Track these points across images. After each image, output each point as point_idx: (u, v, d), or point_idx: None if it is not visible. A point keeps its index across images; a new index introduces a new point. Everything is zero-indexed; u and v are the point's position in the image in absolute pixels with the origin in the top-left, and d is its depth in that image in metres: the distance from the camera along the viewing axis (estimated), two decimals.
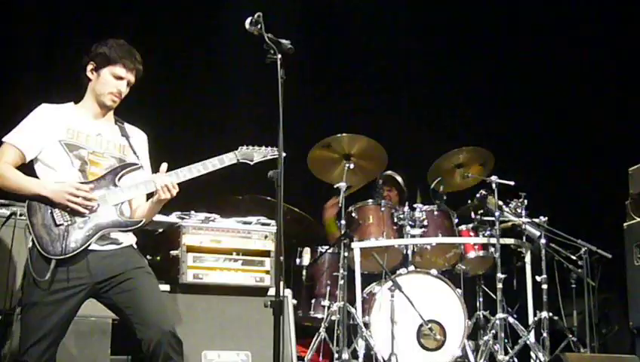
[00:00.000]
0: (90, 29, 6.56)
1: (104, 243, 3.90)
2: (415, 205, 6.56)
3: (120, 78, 4.02)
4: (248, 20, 3.78)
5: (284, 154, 3.78)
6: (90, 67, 4.03)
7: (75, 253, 3.78)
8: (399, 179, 7.23)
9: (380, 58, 8.41)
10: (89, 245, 3.82)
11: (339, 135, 6.34)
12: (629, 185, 6.90)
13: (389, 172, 7.13)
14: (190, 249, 5.17)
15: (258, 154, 4.16)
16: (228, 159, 4.11)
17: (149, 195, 4.08)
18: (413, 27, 8.51)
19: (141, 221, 3.99)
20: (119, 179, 3.96)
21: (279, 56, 3.70)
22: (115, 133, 4.12)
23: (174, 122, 7.17)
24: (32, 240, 3.78)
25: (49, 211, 3.80)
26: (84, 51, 4.07)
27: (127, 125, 4.21)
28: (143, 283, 3.87)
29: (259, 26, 3.75)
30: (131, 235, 4.06)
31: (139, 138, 4.24)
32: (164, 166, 4.02)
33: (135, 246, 4.07)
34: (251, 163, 4.16)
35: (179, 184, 4.00)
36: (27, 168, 3.94)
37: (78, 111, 4.08)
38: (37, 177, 3.92)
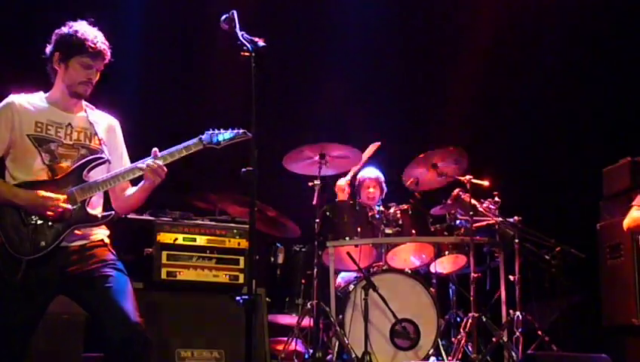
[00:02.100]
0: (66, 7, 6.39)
1: (73, 239, 3.87)
2: (390, 204, 6.58)
3: (89, 67, 3.95)
4: (223, 17, 3.78)
5: (249, 134, 3.74)
6: (56, 57, 3.96)
7: (45, 252, 3.75)
8: (381, 178, 7.24)
9: (354, 56, 8.40)
10: (59, 243, 3.79)
11: (313, 144, 6.26)
12: (603, 186, 6.96)
13: (371, 172, 7.15)
14: (164, 247, 5.16)
15: (225, 137, 4.02)
16: (194, 145, 4.01)
17: (136, 182, 4.04)
18: (389, 24, 8.52)
19: (110, 214, 3.96)
20: (86, 174, 3.92)
21: (252, 54, 3.70)
22: (85, 121, 4.04)
23: (146, 115, 7.09)
24: (2, 241, 3.75)
25: (17, 211, 3.77)
26: (47, 40, 3.99)
27: (97, 111, 4.14)
28: (113, 281, 3.83)
29: (232, 24, 3.75)
30: (103, 229, 4.02)
31: (110, 125, 4.15)
32: (155, 150, 3.96)
33: (107, 239, 4.02)
34: (218, 147, 4.03)
35: None
36: None
37: (47, 102, 4.00)
38: (8, 171, 3.89)
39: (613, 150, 7.16)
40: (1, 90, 4.04)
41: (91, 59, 3.93)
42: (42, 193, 3.79)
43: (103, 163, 4.00)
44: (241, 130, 4.00)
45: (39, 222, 3.78)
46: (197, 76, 7.76)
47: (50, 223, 3.79)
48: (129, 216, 5.10)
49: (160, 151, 3.97)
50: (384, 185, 7.25)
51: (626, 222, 5.68)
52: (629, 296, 6.29)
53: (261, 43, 3.73)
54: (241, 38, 3.74)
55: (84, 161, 3.95)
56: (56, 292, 3.87)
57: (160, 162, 3.93)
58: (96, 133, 4.03)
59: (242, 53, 3.72)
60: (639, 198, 5.58)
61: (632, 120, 7.72)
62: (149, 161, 3.93)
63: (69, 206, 3.82)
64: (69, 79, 3.96)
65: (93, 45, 3.91)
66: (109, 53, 3.99)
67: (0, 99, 3.98)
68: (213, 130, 4.05)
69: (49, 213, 3.77)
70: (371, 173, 7.22)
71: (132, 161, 4.08)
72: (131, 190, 4.10)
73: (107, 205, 4.09)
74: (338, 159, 6.36)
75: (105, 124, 4.12)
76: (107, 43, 3.99)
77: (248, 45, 3.72)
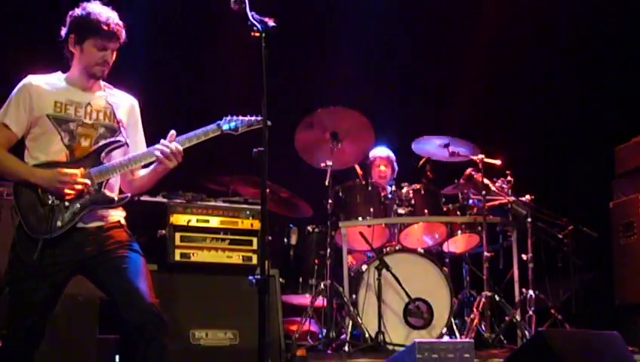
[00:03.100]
0: None
1: (90, 220, 3.89)
2: (402, 184, 6.58)
3: (104, 49, 3.94)
4: None
5: (269, 123, 3.76)
6: (71, 40, 3.96)
7: (61, 232, 3.78)
8: (393, 157, 7.25)
9: (366, 36, 8.38)
10: (76, 224, 3.82)
11: (322, 109, 6.32)
12: (615, 164, 6.94)
13: (382, 151, 7.17)
14: (178, 228, 5.18)
15: (242, 123, 4.07)
16: (212, 130, 4.05)
17: (146, 165, 4.06)
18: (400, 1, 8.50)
19: (126, 196, 3.98)
20: (105, 157, 3.94)
21: (263, 34, 3.70)
22: (104, 100, 4.05)
23: (158, 96, 7.11)
24: (19, 222, 3.78)
25: (35, 191, 3.80)
26: (62, 22, 3.98)
27: (116, 91, 4.14)
28: (129, 262, 3.86)
29: (242, 5, 3.74)
30: (119, 211, 4.04)
31: (127, 104, 4.15)
32: (173, 133, 3.98)
33: (123, 221, 4.04)
34: (236, 133, 4.08)
35: None
36: (18, 141, 3.92)
37: (66, 82, 4.01)
38: (27, 151, 3.91)
39: (625, 128, 7.12)
40: (18, 74, 4.04)
41: (106, 40, 3.92)
42: (60, 170, 3.81)
43: (122, 146, 4.02)
44: (259, 117, 4.00)
45: (56, 202, 3.80)
46: (209, 57, 7.75)
47: (67, 204, 3.81)
48: (142, 198, 5.12)
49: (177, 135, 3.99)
50: (395, 163, 7.27)
51: None
52: None
53: (271, 23, 3.73)
54: (251, 19, 3.74)
55: (102, 143, 3.96)
56: (73, 272, 3.89)
57: (179, 147, 3.94)
58: (114, 113, 4.04)
59: (252, 34, 3.72)
60: None
61: None
62: (168, 144, 3.94)
63: (87, 181, 3.83)
64: (85, 61, 3.96)
65: (106, 26, 3.90)
66: (123, 33, 3.97)
67: (18, 81, 3.98)
68: (231, 116, 4.09)
69: (67, 190, 3.79)
70: (382, 151, 7.24)
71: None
72: (143, 171, 4.12)
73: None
74: (350, 135, 6.37)
75: (124, 104, 4.13)
76: (121, 23, 3.97)
77: (258, 26, 3.72)
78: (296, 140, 6.40)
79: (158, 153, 3.93)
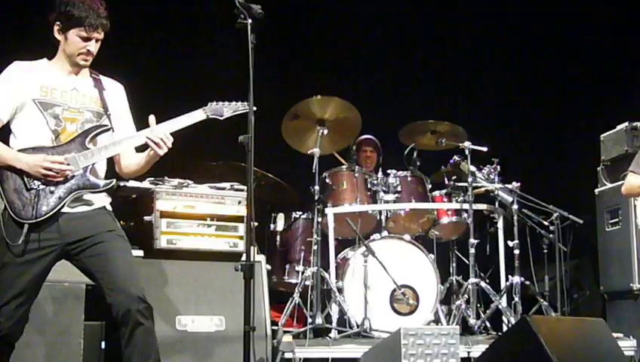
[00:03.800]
0: None
1: (75, 205, 3.89)
2: (389, 171, 6.59)
3: (87, 39, 3.92)
4: None
5: (254, 108, 3.77)
6: (56, 28, 3.93)
7: (46, 216, 3.78)
8: (378, 142, 7.26)
9: (355, 22, 8.36)
10: (61, 208, 3.82)
11: (308, 99, 6.31)
12: (601, 152, 6.96)
13: (368, 136, 7.18)
14: (164, 214, 5.15)
15: (228, 109, 4.08)
16: (197, 115, 4.04)
17: (141, 150, 4.05)
18: None
19: (111, 182, 3.97)
20: (89, 141, 3.92)
21: (249, 20, 3.69)
22: (90, 86, 4.04)
23: (144, 83, 7.08)
24: (5, 206, 3.78)
25: (20, 176, 3.79)
26: (48, 8, 3.94)
27: (102, 77, 4.12)
28: (114, 248, 3.86)
29: None
30: (104, 197, 4.02)
31: (115, 90, 4.14)
32: (152, 118, 3.97)
33: (109, 207, 4.04)
34: (221, 118, 4.07)
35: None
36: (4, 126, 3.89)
37: (51, 68, 3.99)
38: (13, 135, 3.90)
39: (610, 116, 7.15)
40: (5, 60, 4.02)
41: (90, 30, 3.89)
42: (44, 156, 3.80)
43: (107, 130, 4.00)
44: (245, 103, 4.01)
45: (42, 187, 3.79)
46: (196, 43, 7.72)
47: (52, 189, 3.80)
48: (128, 184, 5.11)
49: (162, 121, 3.98)
50: (381, 149, 7.28)
51: (624, 188, 5.69)
52: (626, 261, 6.31)
53: (259, 10, 3.72)
54: (238, 5, 3.73)
55: (88, 127, 3.95)
56: (58, 257, 3.88)
57: (167, 133, 3.93)
58: (101, 98, 4.03)
59: (239, 21, 3.71)
60: (634, 164, 5.55)
61: (630, 85, 7.72)
62: (157, 132, 3.92)
63: (71, 167, 3.83)
64: (68, 50, 3.94)
65: (91, 17, 3.87)
66: (107, 23, 3.94)
67: (4, 67, 3.96)
68: (217, 102, 4.08)
69: (51, 174, 3.78)
70: (368, 136, 7.24)
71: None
72: (137, 157, 4.10)
73: (110, 173, 4.10)
74: (337, 121, 6.37)
75: (110, 90, 4.11)
76: (106, 12, 3.94)
77: (245, 12, 3.70)
78: (282, 129, 6.41)
79: (148, 141, 3.92)
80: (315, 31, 8.33)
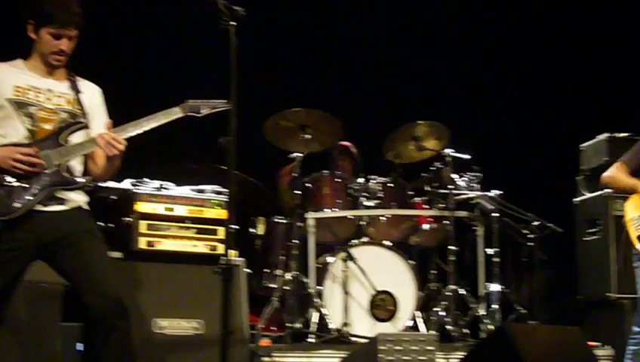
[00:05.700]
0: None
1: (50, 203, 3.83)
2: (370, 176, 6.58)
3: (59, 37, 3.86)
4: None
5: (230, 107, 3.77)
6: (29, 27, 3.88)
7: (20, 213, 3.72)
8: (353, 150, 7.19)
9: (335, 29, 8.37)
10: (34, 205, 3.76)
11: (293, 109, 6.29)
12: (580, 162, 7.00)
13: (343, 142, 7.13)
14: (143, 216, 5.13)
15: (206, 106, 4.03)
16: (174, 112, 4.00)
17: None
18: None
19: (86, 179, 3.93)
20: (64, 138, 3.88)
21: (233, 22, 3.68)
22: (66, 87, 3.99)
23: (123, 83, 7.04)
24: None
25: None
26: (20, 7, 3.90)
27: (79, 79, 4.07)
28: (90, 248, 3.82)
29: None
30: (81, 195, 3.98)
31: (91, 93, 4.09)
32: (108, 123, 3.94)
33: (86, 206, 4.00)
34: (199, 115, 4.03)
35: (130, 142, 3.90)
36: None
37: (26, 68, 3.95)
38: None
39: (590, 126, 7.19)
40: None
41: (61, 28, 3.84)
42: (13, 148, 3.75)
43: (83, 128, 3.96)
44: (223, 100, 3.98)
45: (15, 184, 3.74)
46: (177, 43, 7.70)
47: (25, 186, 3.75)
48: (108, 185, 5.08)
49: (140, 118, 3.95)
50: (356, 156, 7.16)
51: (606, 176, 5.28)
52: (604, 269, 6.35)
53: (241, 11, 3.72)
54: (220, 7, 3.72)
55: (63, 125, 3.91)
56: (33, 257, 3.83)
57: (117, 136, 3.86)
58: (77, 99, 3.99)
59: (222, 22, 3.70)
60: (629, 154, 5.23)
61: (610, 96, 7.78)
62: (107, 132, 3.88)
63: (42, 161, 3.77)
64: (41, 49, 3.90)
65: (62, 14, 3.82)
66: (81, 20, 3.89)
67: None
68: (195, 99, 4.04)
69: (21, 166, 3.73)
70: (344, 143, 7.16)
71: None
72: (104, 157, 4.03)
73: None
74: (318, 128, 6.37)
75: (87, 91, 4.07)
76: (79, 9, 3.89)
77: (228, 14, 3.70)
78: (264, 130, 6.39)
79: (96, 140, 3.88)
80: (299, 29, 8.32)
